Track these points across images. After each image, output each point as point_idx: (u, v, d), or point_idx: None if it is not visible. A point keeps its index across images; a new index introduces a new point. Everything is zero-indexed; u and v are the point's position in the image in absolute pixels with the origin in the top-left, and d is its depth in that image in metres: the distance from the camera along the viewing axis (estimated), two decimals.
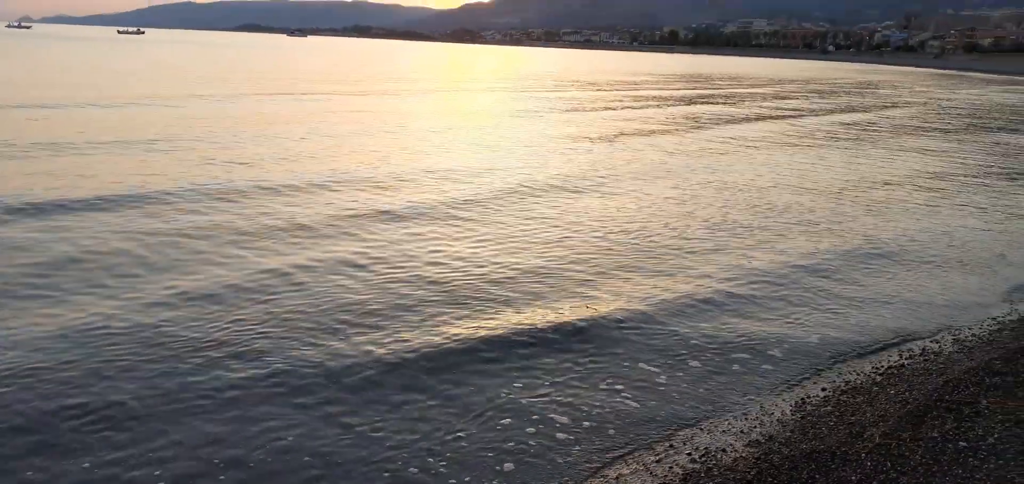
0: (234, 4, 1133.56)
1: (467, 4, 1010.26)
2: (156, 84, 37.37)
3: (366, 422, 5.86)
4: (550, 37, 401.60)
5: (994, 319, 8.79)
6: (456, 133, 23.33)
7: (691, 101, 40.22)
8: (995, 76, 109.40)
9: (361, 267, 9.49)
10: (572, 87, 52.86)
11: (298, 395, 6.19)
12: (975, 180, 18.82)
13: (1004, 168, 21.21)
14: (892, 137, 27.96)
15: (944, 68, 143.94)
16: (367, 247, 10.38)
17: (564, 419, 6.08)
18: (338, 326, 7.62)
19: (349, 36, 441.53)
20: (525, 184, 15.35)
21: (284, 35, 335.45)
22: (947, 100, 53.33)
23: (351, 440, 5.61)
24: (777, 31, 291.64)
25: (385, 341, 7.32)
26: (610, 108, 35.69)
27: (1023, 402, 5.92)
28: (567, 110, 34.03)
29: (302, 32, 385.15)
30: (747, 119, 33.15)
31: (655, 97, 45.30)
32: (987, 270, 10.84)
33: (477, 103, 36.49)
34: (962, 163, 21.74)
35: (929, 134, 29.69)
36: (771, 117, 34.68)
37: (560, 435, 5.87)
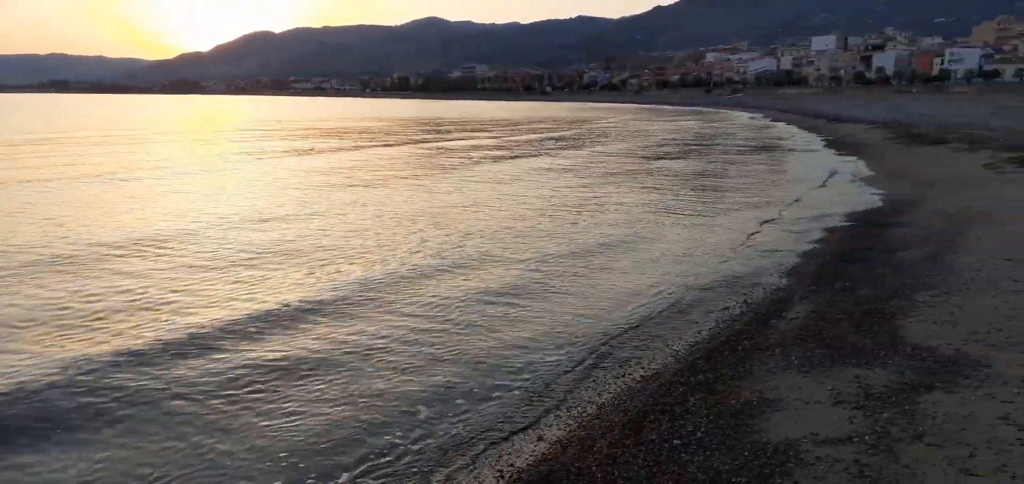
0: None
1: (184, 54, 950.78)
2: None
3: None
4: (279, 86, 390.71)
5: (696, 322, 9.81)
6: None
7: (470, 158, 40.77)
8: (682, 108, 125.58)
9: None
10: (314, 138, 51.50)
11: None
12: (680, 195, 21.08)
13: (708, 183, 24.04)
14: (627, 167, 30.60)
15: (644, 102, 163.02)
16: None
17: None
18: None
19: (46, 92, 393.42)
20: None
21: None
22: (666, 131, 59.70)
23: None
24: (498, 75, 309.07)
25: None
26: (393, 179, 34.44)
27: (722, 395, 6.61)
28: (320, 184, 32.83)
29: None
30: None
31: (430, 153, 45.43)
32: (689, 275, 12.11)
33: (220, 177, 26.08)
34: (671, 184, 24.29)
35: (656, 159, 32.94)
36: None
37: None
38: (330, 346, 8.71)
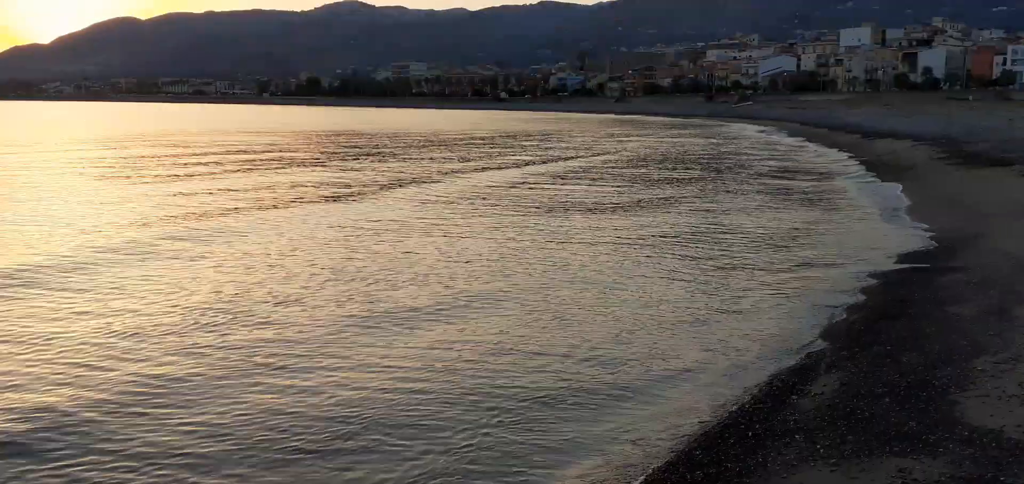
0: None
1: (17, 47, 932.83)
2: None
3: None
4: (145, 89, 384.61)
5: (693, 397, 9.78)
6: None
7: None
8: (676, 118, 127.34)
9: None
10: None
11: None
12: (679, 233, 21.22)
13: (710, 218, 24.25)
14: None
15: (628, 112, 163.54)
16: None
17: None
18: None
19: None
20: None
21: None
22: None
23: None
24: (440, 76, 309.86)
25: None
26: None
27: None
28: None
29: None
30: None
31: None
32: (681, 335, 12.12)
33: None
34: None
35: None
36: None
37: None
38: None
